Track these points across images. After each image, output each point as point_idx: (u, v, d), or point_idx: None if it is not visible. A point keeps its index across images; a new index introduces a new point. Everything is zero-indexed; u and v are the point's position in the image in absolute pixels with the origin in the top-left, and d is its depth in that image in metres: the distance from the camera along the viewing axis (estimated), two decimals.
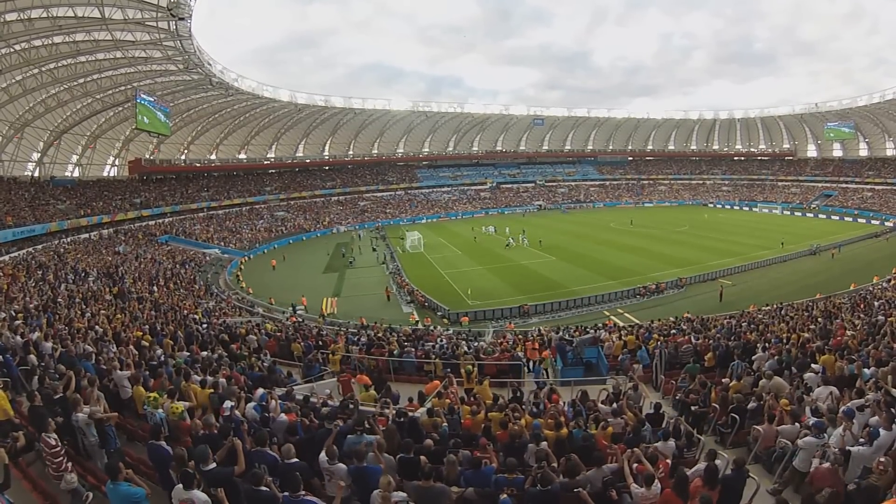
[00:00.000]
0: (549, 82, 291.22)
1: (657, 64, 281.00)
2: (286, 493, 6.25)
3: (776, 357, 14.33)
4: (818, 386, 11.23)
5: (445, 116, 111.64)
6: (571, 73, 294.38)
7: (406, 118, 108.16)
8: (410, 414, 10.73)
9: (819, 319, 21.38)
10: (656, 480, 7.12)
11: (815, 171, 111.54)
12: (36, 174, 64.09)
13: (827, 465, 7.39)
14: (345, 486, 6.70)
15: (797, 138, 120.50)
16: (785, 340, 16.84)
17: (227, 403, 10.13)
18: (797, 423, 9.64)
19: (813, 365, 11.89)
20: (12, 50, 42.39)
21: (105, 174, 76.91)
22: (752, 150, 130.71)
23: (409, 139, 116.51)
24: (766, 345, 16.32)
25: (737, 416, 10.77)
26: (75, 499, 6.86)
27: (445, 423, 9.80)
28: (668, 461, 8.30)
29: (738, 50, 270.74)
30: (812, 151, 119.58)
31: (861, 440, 7.84)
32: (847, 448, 7.63)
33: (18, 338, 14.59)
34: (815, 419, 9.08)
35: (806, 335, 16.97)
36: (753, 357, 15.15)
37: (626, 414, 10.65)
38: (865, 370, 11.48)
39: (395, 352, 20.28)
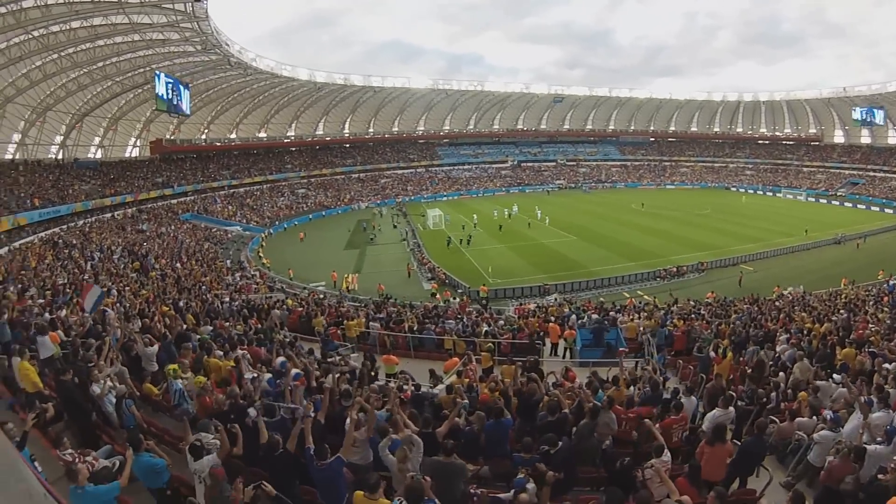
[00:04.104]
0: (571, 61, 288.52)
1: (680, 43, 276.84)
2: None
3: (796, 347, 14.22)
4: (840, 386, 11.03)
5: (466, 94, 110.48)
6: (593, 51, 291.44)
7: (426, 96, 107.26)
8: (429, 391, 10.92)
9: (842, 311, 21.13)
10: (666, 450, 7.21)
11: (843, 157, 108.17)
12: (60, 157, 64.64)
13: (838, 460, 7.32)
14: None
15: (824, 123, 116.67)
16: (806, 332, 16.72)
17: (249, 374, 10.41)
18: (815, 417, 9.61)
19: (834, 376, 11.65)
20: (31, 36, 42.77)
21: (127, 155, 77.27)
22: (777, 133, 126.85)
23: (429, 117, 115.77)
24: (788, 335, 16.16)
25: (752, 408, 10.70)
26: (103, 468, 7.01)
27: (466, 401, 9.88)
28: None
29: (764, 30, 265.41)
30: (839, 137, 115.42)
31: (878, 439, 7.78)
32: (864, 446, 7.55)
33: (46, 314, 14.89)
34: (833, 413, 9.04)
35: (828, 326, 16.79)
36: (777, 349, 14.97)
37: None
38: (887, 365, 11.35)
39: (413, 328, 20.43)
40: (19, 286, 20.81)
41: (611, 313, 23.76)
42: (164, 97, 59.50)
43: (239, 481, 6.02)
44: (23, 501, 1.61)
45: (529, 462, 7.17)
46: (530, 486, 6.60)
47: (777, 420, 9.75)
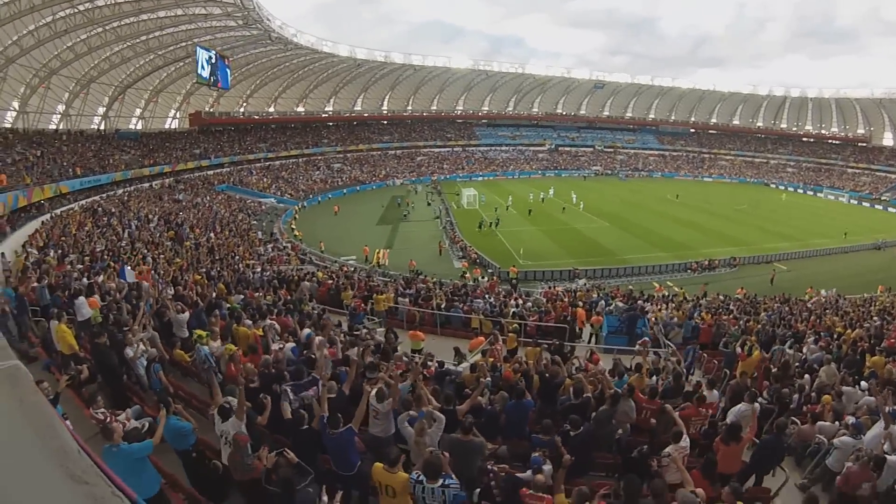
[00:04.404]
0: (614, 47, 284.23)
1: (729, 35, 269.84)
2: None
3: (824, 351, 14.05)
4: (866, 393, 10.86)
5: (506, 76, 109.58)
6: (637, 38, 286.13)
7: (466, 76, 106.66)
8: (452, 368, 11.03)
9: (875, 318, 20.74)
10: (685, 435, 7.27)
11: (891, 160, 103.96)
12: (102, 127, 65.62)
13: (856, 467, 7.26)
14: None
15: (874, 124, 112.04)
16: (836, 336, 16.49)
17: (276, 345, 10.64)
18: (837, 422, 9.52)
19: (862, 383, 11.45)
20: (76, 10, 43.77)
21: (167, 126, 78.41)
22: (822, 132, 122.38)
23: (468, 97, 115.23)
24: (816, 336, 15.93)
25: (774, 407, 10.60)
26: (132, 429, 7.27)
27: (489, 379, 9.98)
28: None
29: (817, 25, 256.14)
30: (888, 140, 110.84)
31: None
32: (884, 455, 7.51)
33: (84, 279, 15.33)
34: (855, 419, 8.97)
35: (859, 332, 16.52)
36: (803, 350, 14.77)
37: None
38: None
39: (441, 305, 20.55)
40: (59, 252, 21.41)
41: (638, 302, 23.65)
42: (204, 74, 60.33)
43: (264, 449, 6.21)
44: (58, 458, 1.71)
45: (547, 444, 7.27)
46: (546, 466, 6.71)
47: (798, 421, 9.67)
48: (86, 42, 50.64)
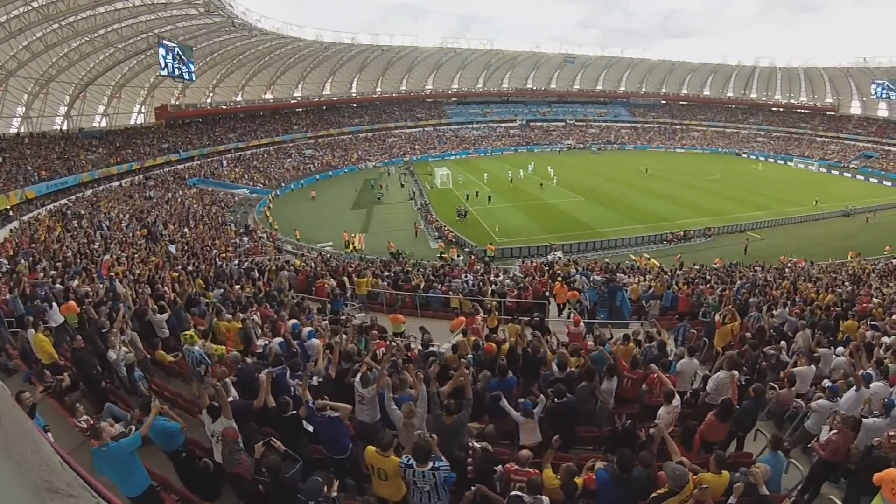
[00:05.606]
0: (585, 20, 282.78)
1: (700, 4, 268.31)
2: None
3: (797, 316, 14.30)
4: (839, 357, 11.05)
5: (475, 53, 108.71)
6: (608, 11, 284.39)
7: (434, 55, 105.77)
8: (436, 349, 11.06)
9: (846, 283, 21.19)
10: (676, 395, 7.39)
11: (858, 129, 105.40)
12: (64, 127, 63.96)
13: (836, 434, 7.39)
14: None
15: (841, 93, 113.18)
16: (809, 301, 16.78)
17: (261, 342, 10.57)
18: (810, 376, 9.77)
19: (839, 349, 11.62)
20: (30, 7, 42.52)
21: (132, 122, 76.60)
22: (792, 101, 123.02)
23: (437, 76, 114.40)
24: (790, 303, 16.21)
25: (755, 373, 10.75)
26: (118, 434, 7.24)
27: (470, 355, 10.03)
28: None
29: None
30: (856, 108, 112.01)
31: (876, 412, 7.86)
32: (860, 417, 7.67)
33: (59, 285, 15.11)
34: (831, 383, 9.13)
35: (831, 297, 16.83)
36: (774, 313, 14.93)
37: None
38: (885, 339, 11.37)
39: (420, 286, 20.54)
40: (31, 259, 21.06)
41: (617, 275, 23.75)
42: (168, 65, 59.36)
43: (259, 445, 6.20)
44: (39, 472, 1.68)
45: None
46: (537, 409, 6.82)
47: (776, 386, 9.86)
48: (42, 40, 49.21)
